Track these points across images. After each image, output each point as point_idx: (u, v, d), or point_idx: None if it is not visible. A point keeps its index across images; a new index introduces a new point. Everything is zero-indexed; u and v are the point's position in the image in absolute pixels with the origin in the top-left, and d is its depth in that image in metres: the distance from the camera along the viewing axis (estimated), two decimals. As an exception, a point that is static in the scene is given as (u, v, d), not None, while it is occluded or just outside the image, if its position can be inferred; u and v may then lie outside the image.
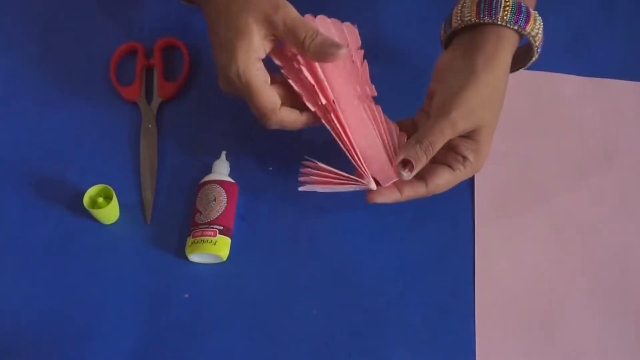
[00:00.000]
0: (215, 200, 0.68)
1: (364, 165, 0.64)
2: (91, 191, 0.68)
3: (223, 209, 0.68)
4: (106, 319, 0.66)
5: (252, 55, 0.63)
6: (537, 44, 0.65)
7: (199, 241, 0.66)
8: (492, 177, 0.73)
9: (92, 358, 0.64)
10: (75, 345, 0.65)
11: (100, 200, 0.68)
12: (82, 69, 0.78)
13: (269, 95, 0.64)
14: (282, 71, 0.67)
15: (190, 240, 0.67)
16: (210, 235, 0.66)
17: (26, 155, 0.73)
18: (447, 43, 0.68)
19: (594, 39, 0.81)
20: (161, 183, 0.72)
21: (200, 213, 0.68)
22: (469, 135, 0.64)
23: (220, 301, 0.67)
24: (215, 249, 0.66)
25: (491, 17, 0.63)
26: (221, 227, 0.67)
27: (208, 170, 0.72)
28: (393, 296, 0.67)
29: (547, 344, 0.66)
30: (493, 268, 0.69)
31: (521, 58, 0.68)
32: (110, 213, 0.69)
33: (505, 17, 0.63)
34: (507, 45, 0.64)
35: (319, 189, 0.64)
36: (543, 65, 0.78)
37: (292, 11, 0.64)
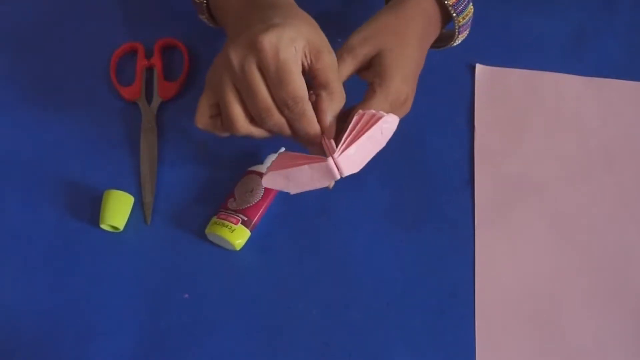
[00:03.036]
0: (252, 191, 0.68)
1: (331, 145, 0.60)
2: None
3: (255, 201, 0.68)
4: (106, 319, 0.66)
5: (294, 43, 0.56)
6: (450, 2, 0.66)
7: (220, 224, 0.67)
8: (492, 177, 0.73)
9: (92, 358, 0.64)
10: (75, 345, 0.65)
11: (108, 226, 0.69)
12: (82, 69, 0.78)
13: (302, 79, 0.57)
14: None
15: (213, 219, 0.68)
16: (231, 222, 0.67)
17: (26, 156, 0.73)
18: None
19: (594, 39, 0.81)
20: (161, 183, 0.72)
21: (234, 199, 0.69)
22: (374, 63, 0.63)
23: (220, 301, 0.67)
24: (230, 236, 0.67)
25: None
26: (245, 218, 0.67)
27: (208, 170, 0.72)
28: (393, 296, 0.67)
29: (547, 344, 0.66)
30: (493, 268, 0.69)
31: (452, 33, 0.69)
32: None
33: None
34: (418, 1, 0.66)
35: (279, 178, 0.60)
36: (543, 65, 0.79)
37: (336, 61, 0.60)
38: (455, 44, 0.71)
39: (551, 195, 0.72)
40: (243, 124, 0.59)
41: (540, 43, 0.80)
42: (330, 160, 0.58)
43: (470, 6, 0.67)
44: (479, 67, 0.78)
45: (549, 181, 0.73)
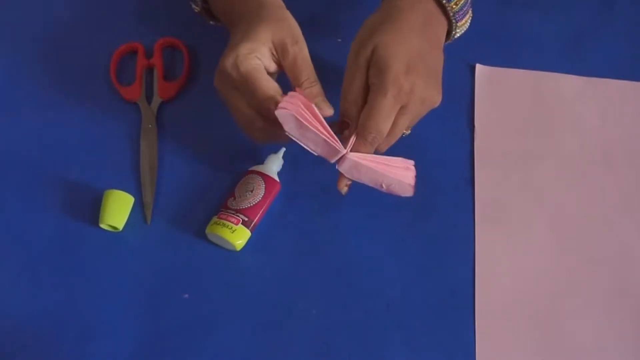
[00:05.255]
0: (252, 191, 0.68)
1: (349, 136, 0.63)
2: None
3: (256, 202, 0.68)
4: (106, 319, 0.66)
5: (253, 53, 0.62)
6: (455, 9, 0.65)
7: (220, 224, 0.67)
8: (492, 177, 0.73)
9: (92, 358, 0.64)
10: (75, 345, 0.65)
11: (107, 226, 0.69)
12: (82, 69, 0.78)
13: (269, 81, 0.62)
14: None
15: (214, 219, 0.68)
16: (232, 222, 0.67)
17: (26, 156, 0.73)
18: None
19: (594, 39, 0.81)
20: (161, 183, 0.72)
21: (234, 198, 0.69)
22: (372, 63, 0.62)
23: (220, 301, 0.67)
24: (231, 236, 0.67)
25: None
26: (246, 219, 0.67)
27: (208, 170, 0.72)
28: (393, 296, 0.67)
29: (547, 343, 0.66)
30: (493, 268, 0.69)
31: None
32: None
33: None
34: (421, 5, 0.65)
35: (293, 122, 0.60)
36: (543, 65, 0.79)
37: (306, 50, 0.63)
38: (456, 36, 0.69)
39: (551, 195, 0.72)
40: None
41: (540, 43, 0.80)
42: (343, 150, 0.62)
43: None
44: (479, 67, 0.78)
45: (549, 181, 0.73)
